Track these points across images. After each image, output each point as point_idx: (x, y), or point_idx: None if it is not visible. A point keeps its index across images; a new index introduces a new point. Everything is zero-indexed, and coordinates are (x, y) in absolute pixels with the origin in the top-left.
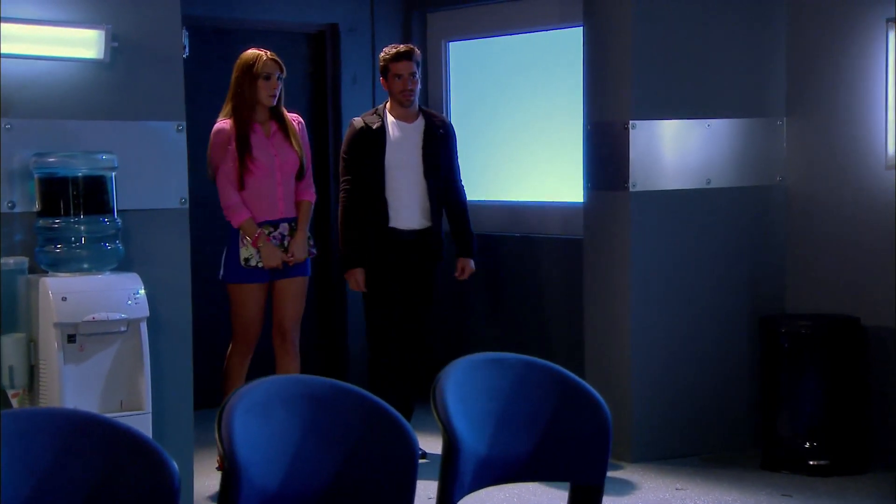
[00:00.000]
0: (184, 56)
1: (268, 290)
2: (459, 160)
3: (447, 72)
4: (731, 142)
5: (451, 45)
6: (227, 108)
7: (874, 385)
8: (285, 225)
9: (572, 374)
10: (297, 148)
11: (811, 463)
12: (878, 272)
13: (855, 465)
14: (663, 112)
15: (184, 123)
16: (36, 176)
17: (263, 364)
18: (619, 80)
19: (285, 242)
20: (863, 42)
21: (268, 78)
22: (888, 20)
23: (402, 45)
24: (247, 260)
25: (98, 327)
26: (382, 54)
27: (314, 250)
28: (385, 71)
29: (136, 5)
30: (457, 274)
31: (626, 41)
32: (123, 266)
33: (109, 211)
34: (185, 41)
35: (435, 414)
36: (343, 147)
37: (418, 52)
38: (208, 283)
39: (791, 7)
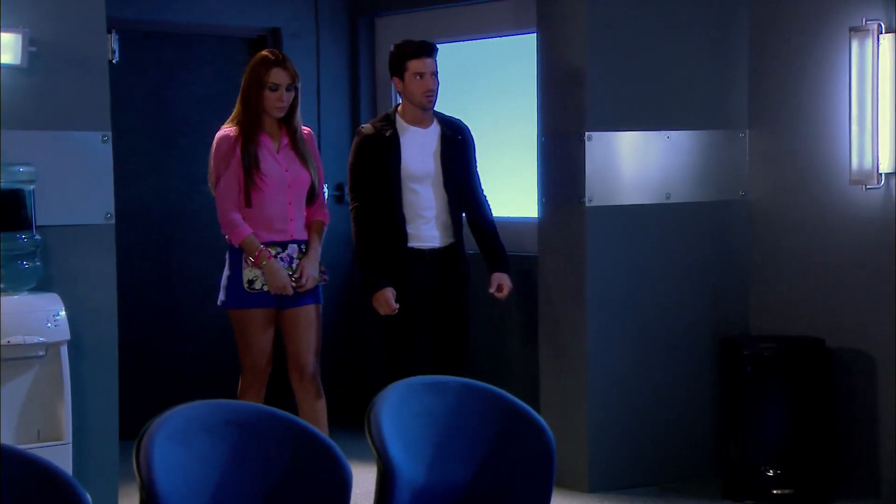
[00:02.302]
0: (113, 61)
1: (276, 320)
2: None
3: None
4: (691, 155)
5: None
6: (234, 113)
7: (840, 410)
8: (294, 247)
9: (514, 398)
10: (309, 165)
11: (775, 492)
12: (843, 291)
13: (820, 494)
14: (621, 123)
15: (109, 133)
16: None
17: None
18: (575, 89)
19: (294, 266)
20: (826, 52)
21: (275, 88)
22: (851, 29)
23: (419, 40)
24: (251, 282)
25: (14, 352)
26: (396, 50)
27: (326, 275)
28: (400, 69)
29: (57, 8)
30: (492, 290)
31: (581, 48)
32: (43, 286)
33: (28, 227)
34: (115, 45)
35: (369, 441)
36: (351, 158)
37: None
38: (137, 302)
39: (753, 15)
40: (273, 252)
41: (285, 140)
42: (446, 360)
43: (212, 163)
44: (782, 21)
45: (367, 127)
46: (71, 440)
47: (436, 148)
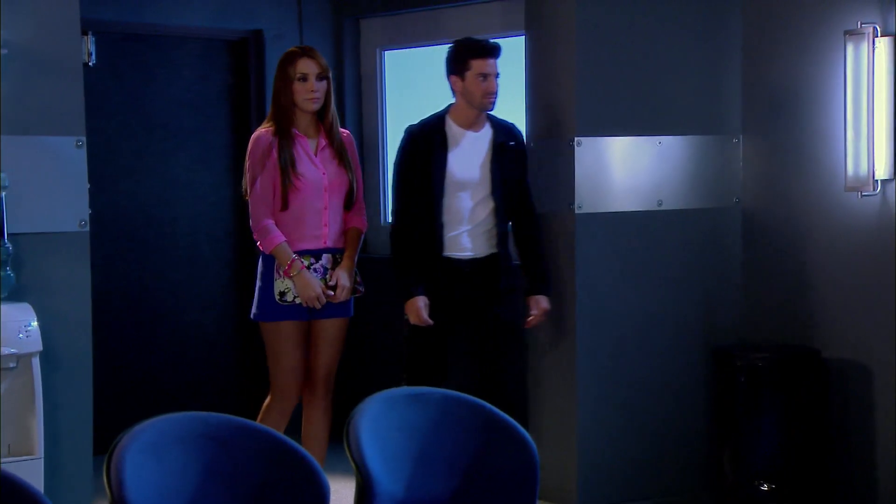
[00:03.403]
0: (90, 64)
1: (307, 332)
2: (391, 178)
3: (382, 82)
4: (683, 161)
5: (387, 53)
6: (269, 115)
7: (836, 422)
8: (328, 257)
9: (496, 410)
10: (348, 168)
11: None
12: (839, 300)
13: None
14: (611, 128)
15: (83, 138)
16: None
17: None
18: (564, 93)
19: (327, 277)
20: (820, 55)
21: (304, 79)
22: (846, 32)
23: (483, 39)
24: (282, 294)
25: None
26: (459, 47)
27: (361, 287)
28: (462, 68)
29: (29, 9)
30: (532, 312)
31: (571, 51)
32: (15, 296)
33: None
34: (92, 48)
35: (348, 453)
36: (397, 158)
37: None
38: (112, 312)
39: (746, 18)
40: (306, 262)
41: (323, 141)
42: (490, 378)
43: (247, 165)
44: (776, 24)
45: (415, 127)
46: (43, 455)
47: (486, 153)
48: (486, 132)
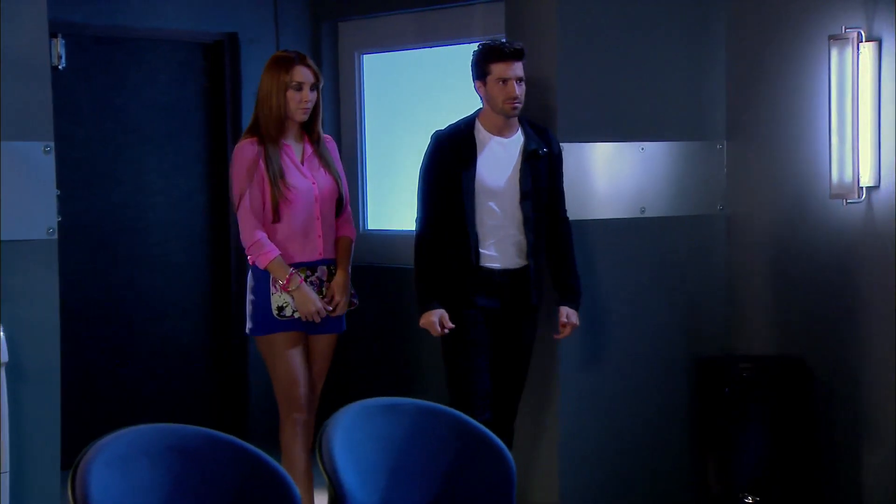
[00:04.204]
0: (59, 67)
1: (305, 344)
2: (370, 184)
3: (361, 87)
4: (667, 167)
5: (365, 57)
6: (251, 123)
7: (822, 433)
8: (324, 268)
9: (473, 421)
10: (334, 174)
11: None
12: (824, 309)
13: None
14: (593, 134)
15: (52, 144)
16: None
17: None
18: (545, 98)
19: (324, 290)
20: (805, 61)
21: (299, 88)
22: (830, 37)
23: (503, 41)
24: (281, 309)
25: None
26: (479, 51)
27: (356, 300)
28: (482, 73)
29: None
30: (561, 323)
31: (552, 55)
32: None
33: None
34: (62, 50)
35: (320, 465)
36: (423, 164)
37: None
38: (82, 322)
39: (730, 23)
40: (303, 276)
41: (309, 149)
42: (503, 398)
43: (233, 179)
44: (760, 29)
45: (442, 132)
46: (9, 469)
47: (516, 161)
48: (518, 138)
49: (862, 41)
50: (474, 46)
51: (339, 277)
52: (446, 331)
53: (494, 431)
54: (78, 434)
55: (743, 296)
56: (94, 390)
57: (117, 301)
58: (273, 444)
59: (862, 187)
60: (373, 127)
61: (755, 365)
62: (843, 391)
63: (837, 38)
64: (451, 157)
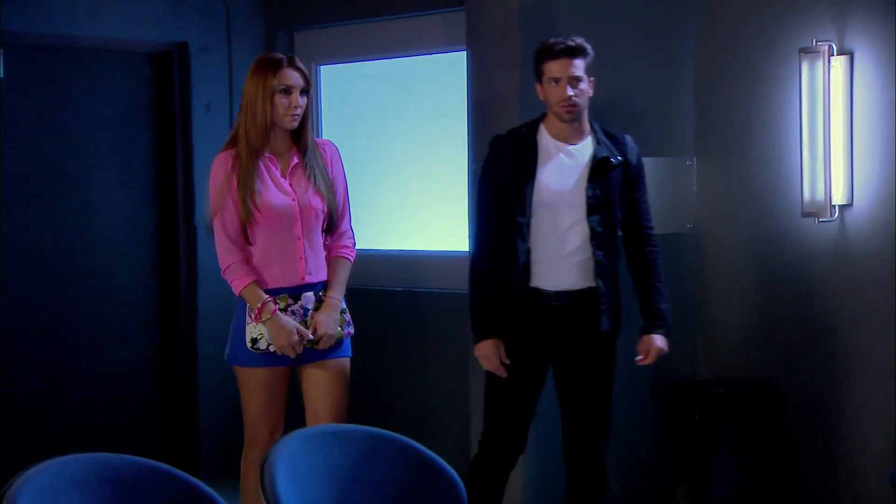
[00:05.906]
0: None
1: (288, 377)
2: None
3: (318, 99)
4: None
5: (322, 68)
6: (232, 133)
7: (796, 458)
8: (309, 295)
9: (423, 448)
10: (323, 188)
11: None
12: (796, 331)
13: None
14: None
15: None
16: None
17: None
18: (508, 113)
19: (309, 318)
20: (775, 74)
21: (287, 92)
22: (801, 50)
23: (558, 38)
24: (254, 341)
25: None
26: (536, 51)
27: (351, 328)
28: (538, 73)
29: None
30: (639, 357)
31: (515, 68)
32: None
33: None
34: (0, 61)
35: (262, 496)
36: (480, 172)
37: (588, 48)
38: (20, 346)
39: (699, 36)
40: (282, 304)
41: (296, 159)
42: (582, 426)
43: (209, 195)
44: (729, 43)
45: (502, 135)
46: None
47: (583, 170)
48: (587, 146)
49: (833, 54)
50: (437, 59)
51: (325, 307)
52: (505, 362)
53: (571, 464)
54: (13, 466)
55: (713, 318)
56: (31, 420)
57: (57, 324)
58: (227, 472)
59: (834, 206)
60: (330, 139)
61: (725, 390)
62: (816, 413)
63: (808, 52)
64: (509, 164)
